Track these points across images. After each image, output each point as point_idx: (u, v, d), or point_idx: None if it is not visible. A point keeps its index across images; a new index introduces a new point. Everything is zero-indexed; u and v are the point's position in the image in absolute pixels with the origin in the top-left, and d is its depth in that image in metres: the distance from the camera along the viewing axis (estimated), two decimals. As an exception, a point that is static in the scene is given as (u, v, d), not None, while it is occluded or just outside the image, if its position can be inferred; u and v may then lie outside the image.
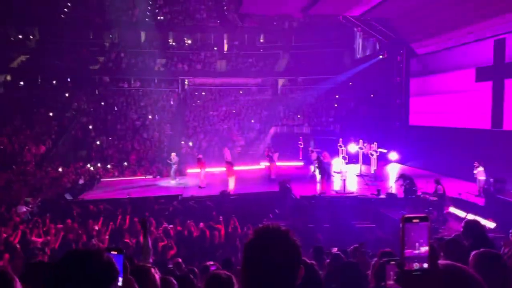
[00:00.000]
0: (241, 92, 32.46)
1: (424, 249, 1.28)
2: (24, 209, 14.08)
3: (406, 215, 1.31)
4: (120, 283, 1.44)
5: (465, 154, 15.69)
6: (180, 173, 20.99)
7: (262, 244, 1.44)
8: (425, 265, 1.28)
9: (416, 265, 1.28)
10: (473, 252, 2.40)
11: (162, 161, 22.61)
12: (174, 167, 19.00)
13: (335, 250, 7.74)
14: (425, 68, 20.99)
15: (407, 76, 22.60)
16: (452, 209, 12.30)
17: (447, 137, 18.60)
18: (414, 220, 1.29)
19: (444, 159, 17.69)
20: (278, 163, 20.27)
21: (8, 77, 31.20)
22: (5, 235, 9.82)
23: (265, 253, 1.42)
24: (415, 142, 21.20)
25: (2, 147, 23.28)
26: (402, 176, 13.41)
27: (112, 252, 1.49)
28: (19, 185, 17.73)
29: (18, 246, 9.05)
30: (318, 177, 15.87)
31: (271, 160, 18.44)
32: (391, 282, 1.73)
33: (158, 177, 20.88)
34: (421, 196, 12.45)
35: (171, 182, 18.68)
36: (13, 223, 11.71)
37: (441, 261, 1.54)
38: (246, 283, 1.46)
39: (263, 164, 20.06)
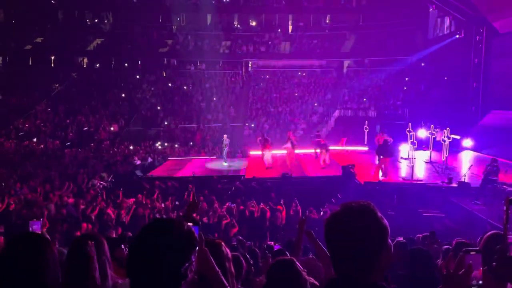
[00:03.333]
0: (304, 74, 31.97)
1: None
2: (99, 183, 15.10)
3: None
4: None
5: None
6: (243, 154, 21.24)
7: (344, 220, 1.40)
8: None
9: None
10: None
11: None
12: (225, 149, 18.92)
13: (400, 239, 7.44)
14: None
15: (487, 57, 20.85)
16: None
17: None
18: None
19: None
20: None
21: (85, 60, 33.39)
22: (82, 207, 10.60)
23: (344, 231, 1.38)
24: (493, 129, 19.62)
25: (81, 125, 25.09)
26: (494, 160, 12.48)
27: (189, 224, 1.55)
28: (95, 161, 19.04)
29: (93, 217, 9.75)
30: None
31: (322, 147, 17.46)
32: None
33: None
34: (498, 186, 11.55)
35: (223, 164, 18.54)
36: (90, 196, 12.62)
37: None
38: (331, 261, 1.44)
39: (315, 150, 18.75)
